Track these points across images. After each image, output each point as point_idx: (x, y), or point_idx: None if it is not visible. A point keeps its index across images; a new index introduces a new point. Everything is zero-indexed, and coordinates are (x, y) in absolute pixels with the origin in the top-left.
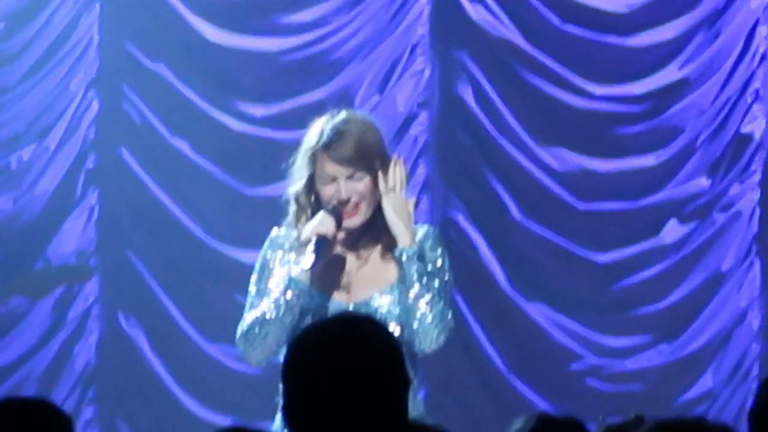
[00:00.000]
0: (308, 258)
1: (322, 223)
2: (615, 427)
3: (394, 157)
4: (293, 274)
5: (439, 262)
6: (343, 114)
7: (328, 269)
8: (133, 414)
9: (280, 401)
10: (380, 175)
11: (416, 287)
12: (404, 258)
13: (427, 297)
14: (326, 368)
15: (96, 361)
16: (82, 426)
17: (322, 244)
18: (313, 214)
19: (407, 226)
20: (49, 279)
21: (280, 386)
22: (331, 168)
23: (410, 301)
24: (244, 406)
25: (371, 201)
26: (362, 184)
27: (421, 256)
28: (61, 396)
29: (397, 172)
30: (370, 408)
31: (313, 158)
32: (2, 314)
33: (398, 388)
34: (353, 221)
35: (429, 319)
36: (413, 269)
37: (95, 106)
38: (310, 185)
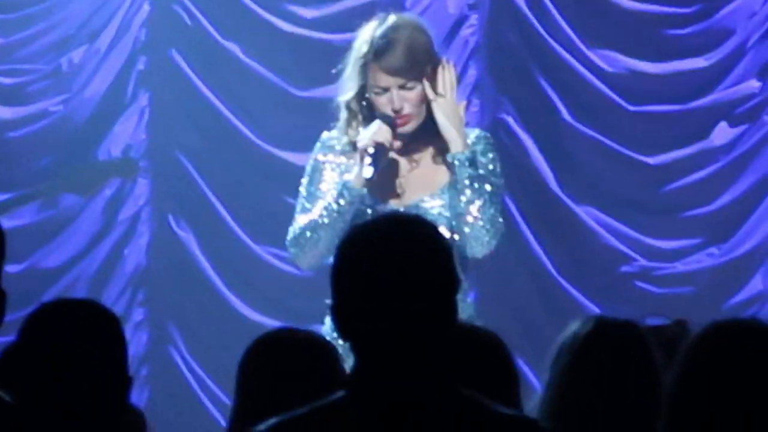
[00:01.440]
0: (367, 168)
1: (379, 131)
2: (656, 329)
3: (443, 60)
4: (347, 180)
5: (490, 167)
6: (392, 19)
7: (382, 174)
8: (182, 317)
9: (330, 302)
10: (428, 81)
11: (468, 192)
12: (456, 163)
13: (479, 202)
14: (374, 266)
15: (146, 263)
16: (132, 328)
17: (380, 152)
18: (365, 120)
19: (459, 131)
20: (97, 173)
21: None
22: (382, 79)
23: (462, 206)
24: (294, 308)
25: (424, 106)
26: (414, 92)
27: (472, 162)
28: (112, 298)
29: (446, 76)
30: (418, 308)
31: (364, 68)
32: (53, 216)
33: (448, 288)
34: (407, 127)
35: (480, 223)
36: (465, 174)
37: (146, 7)
38: (362, 93)
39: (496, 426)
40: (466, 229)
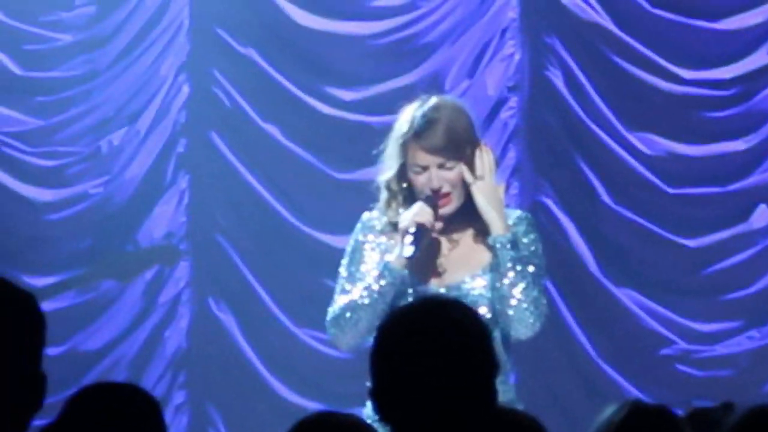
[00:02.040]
0: (408, 248)
1: (420, 212)
2: (702, 411)
3: (481, 143)
4: (388, 261)
5: (532, 248)
6: (433, 100)
7: (423, 255)
8: (223, 399)
9: (369, 385)
10: (467, 164)
11: (511, 275)
12: (498, 246)
13: (522, 285)
14: (414, 351)
15: (187, 345)
16: (173, 411)
17: (421, 233)
18: (405, 200)
19: (499, 213)
20: (138, 261)
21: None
22: (422, 157)
23: (505, 288)
24: (335, 391)
25: (463, 187)
26: (454, 172)
27: (514, 244)
28: (152, 381)
29: (484, 159)
30: (457, 391)
31: (404, 147)
32: (93, 299)
33: (486, 372)
34: (447, 209)
35: (524, 306)
36: (507, 257)
37: (186, 90)
38: (402, 173)
39: None
40: (510, 312)
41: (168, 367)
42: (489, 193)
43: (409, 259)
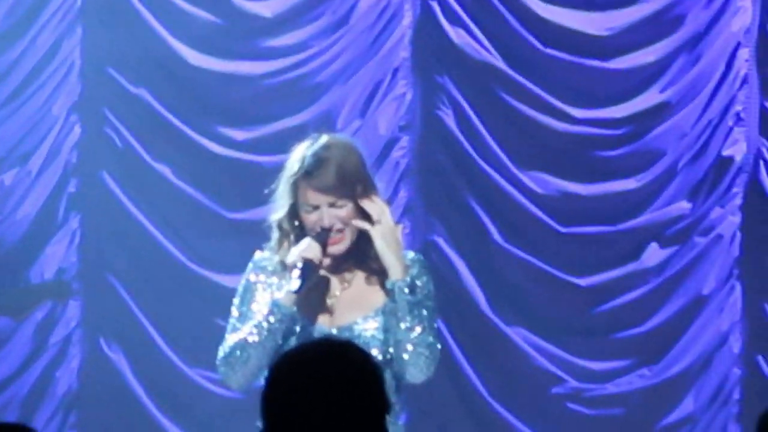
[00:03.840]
0: (295, 282)
1: (308, 248)
2: None
3: (370, 193)
4: (277, 298)
5: (425, 291)
6: (324, 139)
7: (312, 293)
8: None
9: (260, 426)
10: (358, 203)
11: (408, 319)
12: (396, 290)
13: (419, 329)
14: (305, 392)
15: (78, 385)
16: None
17: (309, 268)
18: (297, 239)
19: (398, 257)
20: (30, 296)
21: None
22: (312, 196)
23: (401, 333)
24: (226, 431)
25: (354, 226)
26: (344, 210)
27: (412, 288)
28: (43, 420)
29: (376, 201)
30: (348, 431)
31: (295, 186)
32: None
33: (377, 413)
34: (338, 248)
35: (420, 350)
36: (405, 301)
37: (77, 130)
38: (293, 212)
39: None
40: (406, 357)
41: (59, 407)
42: (389, 236)
43: (296, 293)
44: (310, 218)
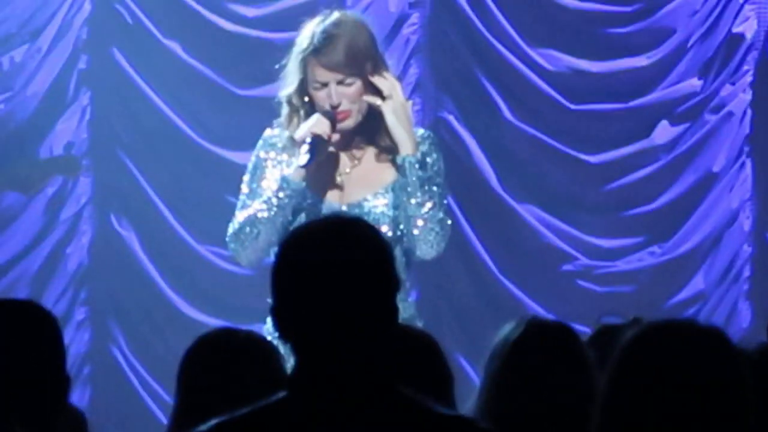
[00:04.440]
0: (303, 156)
1: (317, 123)
2: (611, 327)
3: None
4: (286, 174)
5: (435, 168)
6: (334, 16)
7: (322, 170)
8: (124, 315)
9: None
10: (367, 80)
11: (419, 195)
12: (407, 165)
13: (429, 204)
14: (314, 268)
15: (88, 261)
16: (75, 327)
17: (317, 143)
18: (306, 115)
19: (409, 133)
20: (39, 170)
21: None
22: (321, 73)
23: (412, 208)
24: (236, 307)
25: (362, 103)
26: (353, 88)
27: (422, 164)
28: (54, 297)
29: (387, 77)
30: (358, 308)
31: (304, 63)
32: None
33: (388, 290)
34: (346, 123)
35: (430, 226)
36: (415, 177)
37: (87, 6)
38: (302, 89)
39: (435, 426)
40: (416, 232)
41: (70, 283)
42: (399, 111)
43: (304, 167)
44: (319, 95)
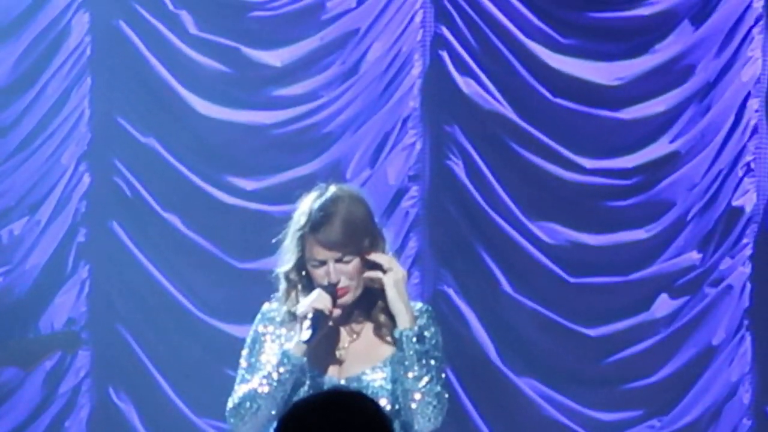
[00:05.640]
0: (306, 332)
1: (318, 298)
2: None
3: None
4: (287, 348)
5: (433, 341)
6: (331, 190)
7: (322, 344)
8: None
9: None
10: (366, 255)
11: (416, 369)
12: (404, 339)
13: (426, 379)
14: None
15: None
16: None
17: (319, 319)
18: (304, 289)
19: (407, 306)
20: (39, 347)
21: None
22: (319, 252)
23: (409, 383)
24: None
25: (361, 279)
26: (351, 265)
27: (420, 337)
28: None
29: (382, 255)
30: None
31: (302, 240)
32: None
33: None
34: (346, 299)
35: (428, 400)
36: (413, 350)
37: (86, 179)
38: (300, 265)
39: None
40: (413, 405)
41: None
42: (400, 284)
43: (306, 343)
44: (318, 273)
